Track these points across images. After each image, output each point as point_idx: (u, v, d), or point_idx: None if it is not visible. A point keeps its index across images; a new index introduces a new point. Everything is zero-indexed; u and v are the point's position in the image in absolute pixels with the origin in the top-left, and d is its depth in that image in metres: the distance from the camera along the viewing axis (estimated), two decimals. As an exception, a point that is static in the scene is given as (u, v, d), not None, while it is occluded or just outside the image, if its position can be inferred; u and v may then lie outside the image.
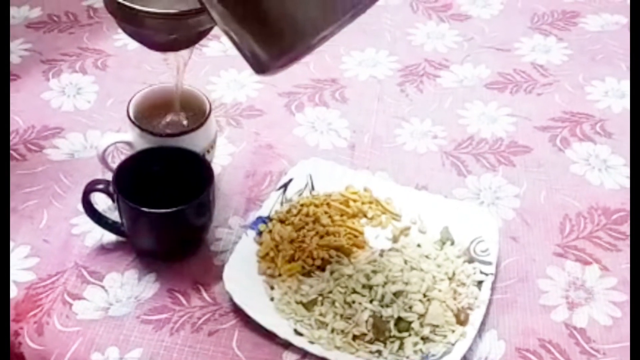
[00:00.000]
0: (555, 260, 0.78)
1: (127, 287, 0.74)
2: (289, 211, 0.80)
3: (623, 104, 0.97)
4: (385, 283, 0.72)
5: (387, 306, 0.70)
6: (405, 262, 0.74)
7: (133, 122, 0.78)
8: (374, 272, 0.72)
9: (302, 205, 0.80)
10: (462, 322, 0.70)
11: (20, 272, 0.74)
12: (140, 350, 0.69)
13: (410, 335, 0.69)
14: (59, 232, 0.78)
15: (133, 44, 1.00)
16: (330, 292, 0.72)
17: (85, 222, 0.78)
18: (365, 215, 0.81)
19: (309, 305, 0.72)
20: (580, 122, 0.95)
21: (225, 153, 0.89)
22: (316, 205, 0.80)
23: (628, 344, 0.70)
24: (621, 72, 1.03)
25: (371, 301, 0.71)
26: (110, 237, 0.77)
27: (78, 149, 0.89)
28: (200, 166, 0.75)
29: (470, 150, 0.91)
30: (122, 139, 0.80)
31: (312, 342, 0.69)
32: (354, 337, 0.69)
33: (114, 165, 0.77)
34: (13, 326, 0.70)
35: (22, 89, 0.97)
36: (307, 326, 0.70)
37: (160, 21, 0.66)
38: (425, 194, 0.83)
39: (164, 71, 0.99)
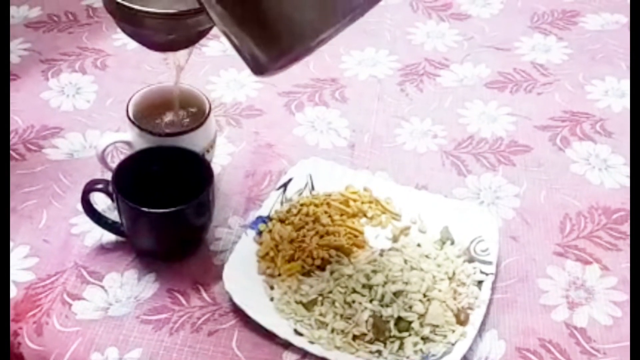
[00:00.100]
0: (556, 259, 0.78)
1: (126, 287, 0.74)
2: (288, 211, 0.80)
3: (623, 103, 0.97)
4: (385, 283, 0.71)
5: (387, 306, 0.70)
6: (405, 261, 0.74)
7: (132, 122, 0.78)
8: (374, 271, 0.72)
9: (302, 204, 0.80)
10: (462, 322, 0.70)
11: (19, 272, 0.74)
12: (139, 351, 0.69)
13: (410, 335, 0.69)
14: (59, 232, 0.78)
15: (132, 44, 1.00)
16: (330, 292, 0.72)
17: (85, 222, 0.77)
18: (365, 215, 0.81)
19: (308, 305, 0.71)
20: (581, 121, 0.95)
21: (225, 153, 0.88)
22: (316, 205, 0.80)
23: (628, 343, 0.70)
24: (621, 72, 1.03)
25: (371, 301, 0.71)
26: (109, 237, 0.77)
27: (77, 148, 0.88)
28: (200, 166, 0.75)
29: (470, 150, 0.90)
30: (121, 138, 0.80)
31: (312, 342, 0.69)
32: (354, 337, 0.69)
33: (114, 165, 0.77)
34: (12, 326, 0.70)
35: (22, 88, 0.97)
36: (307, 326, 0.70)
37: (159, 21, 0.66)
38: (425, 194, 0.83)
39: (164, 71, 0.99)
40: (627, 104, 0.97)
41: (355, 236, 0.78)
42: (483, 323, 0.71)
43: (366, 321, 0.69)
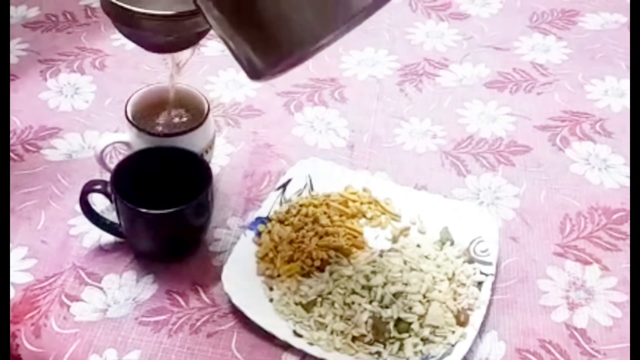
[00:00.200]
0: (556, 260, 0.78)
1: (125, 289, 0.74)
2: (288, 211, 0.80)
3: (623, 103, 0.97)
4: (385, 284, 0.71)
5: (387, 307, 0.70)
6: (405, 262, 0.73)
7: (131, 122, 0.77)
8: (374, 272, 0.72)
9: (301, 205, 0.80)
10: (462, 323, 0.70)
11: (17, 273, 0.74)
12: (138, 352, 0.68)
13: (410, 336, 0.69)
14: (57, 233, 0.78)
15: (131, 44, 0.99)
16: (330, 293, 0.72)
17: (83, 223, 0.77)
18: (364, 216, 0.80)
19: (308, 306, 0.71)
20: (580, 121, 0.95)
21: (224, 153, 0.88)
22: (315, 206, 0.80)
23: (628, 344, 0.70)
24: (621, 71, 1.03)
25: (371, 302, 0.70)
26: (108, 238, 0.77)
27: (76, 149, 0.88)
28: (199, 166, 0.75)
29: (469, 150, 0.90)
30: (120, 139, 0.79)
31: (311, 344, 0.69)
32: (354, 339, 0.69)
33: (112, 166, 0.77)
34: (10, 328, 0.70)
35: (20, 89, 0.96)
36: (306, 327, 0.70)
37: (157, 23, 0.66)
38: (424, 194, 0.83)
39: (162, 71, 0.99)
40: (627, 104, 0.97)
41: (355, 237, 0.78)
42: (483, 324, 0.71)
43: (366, 322, 0.69)
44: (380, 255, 0.75)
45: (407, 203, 0.81)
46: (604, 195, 0.85)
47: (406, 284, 0.71)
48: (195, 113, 0.80)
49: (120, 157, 0.80)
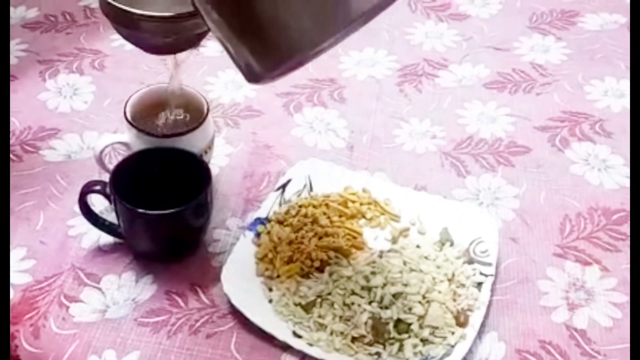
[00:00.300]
0: (555, 261, 0.78)
1: (124, 289, 0.73)
2: (287, 212, 0.79)
3: (622, 104, 0.97)
4: (385, 284, 0.71)
5: (387, 308, 0.70)
6: (405, 263, 0.73)
7: (130, 123, 0.77)
8: (373, 273, 0.72)
9: (300, 206, 0.80)
10: (462, 324, 0.70)
11: (16, 274, 0.74)
12: (137, 353, 0.68)
13: (409, 337, 0.69)
14: (56, 234, 0.78)
15: (130, 45, 0.99)
16: (329, 293, 0.71)
17: (82, 224, 0.77)
18: (364, 216, 0.80)
19: (307, 307, 0.71)
20: (580, 121, 0.95)
21: (223, 154, 0.88)
22: (315, 206, 0.80)
23: (628, 345, 0.70)
24: (620, 72, 1.03)
25: (370, 303, 0.70)
26: (107, 238, 0.77)
27: (75, 150, 0.88)
28: (198, 167, 0.75)
29: (469, 151, 0.90)
30: (119, 139, 0.79)
31: (311, 344, 0.68)
32: (353, 339, 0.69)
33: (111, 167, 0.77)
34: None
35: (19, 89, 0.96)
36: (305, 328, 0.70)
37: (155, 24, 0.66)
38: (424, 195, 0.83)
39: (162, 71, 0.98)
40: (627, 104, 0.97)
41: (354, 237, 0.78)
42: (483, 325, 0.70)
43: (365, 323, 0.69)
44: (380, 256, 0.74)
45: (406, 204, 0.81)
46: (604, 195, 0.85)
47: (406, 285, 0.71)
48: (195, 114, 0.80)
49: (120, 158, 0.80)
